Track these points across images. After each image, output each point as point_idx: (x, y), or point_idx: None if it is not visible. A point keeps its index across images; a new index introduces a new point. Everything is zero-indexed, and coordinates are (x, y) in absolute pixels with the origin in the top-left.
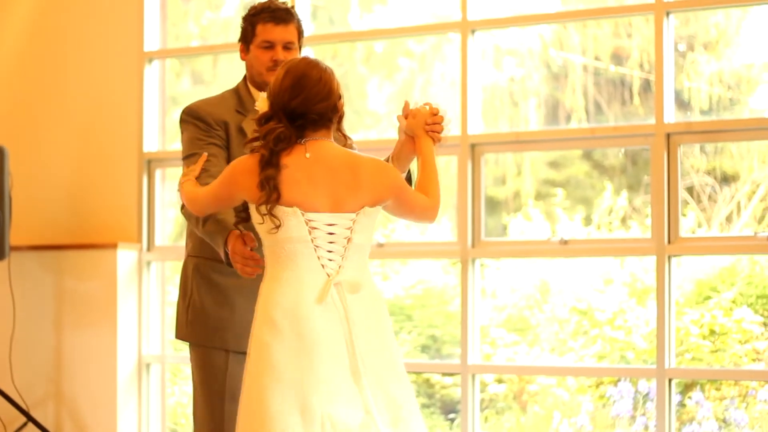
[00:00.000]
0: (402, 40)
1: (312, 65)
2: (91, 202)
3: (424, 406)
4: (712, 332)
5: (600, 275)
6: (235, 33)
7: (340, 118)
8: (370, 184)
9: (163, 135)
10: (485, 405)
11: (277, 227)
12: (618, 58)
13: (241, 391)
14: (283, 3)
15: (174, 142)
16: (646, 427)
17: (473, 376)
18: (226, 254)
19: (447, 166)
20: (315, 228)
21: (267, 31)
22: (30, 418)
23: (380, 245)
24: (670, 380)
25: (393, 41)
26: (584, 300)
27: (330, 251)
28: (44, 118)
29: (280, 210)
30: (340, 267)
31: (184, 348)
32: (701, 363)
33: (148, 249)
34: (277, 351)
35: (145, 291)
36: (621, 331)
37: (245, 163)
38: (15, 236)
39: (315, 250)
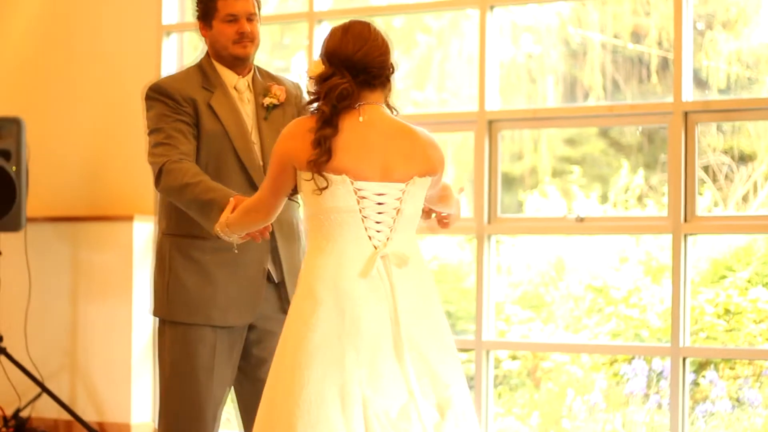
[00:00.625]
0: (420, 16)
1: (367, 23)
2: (107, 174)
3: None
4: (727, 311)
5: (615, 253)
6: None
7: (390, 85)
8: (423, 153)
9: None
10: (499, 381)
11: (322, 189)
12: (636, 36)
13: (274, 365)
14: None
15: None
16: (660, 406)
17: (487, 353)
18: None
19: (464, 142)
20: (364, 197)
21: (229, 5)
22: (45, 389)
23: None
24: (684, 359)
25: (411, 17)
26: (599, 278)
27: (378, 222)
28: (61, 91)
29: (328, 177)
30: (387, 239)
31: None
32: (715, 342)
33: None
34: (317, 327)
35: None
36: (636, 309)
37: (296, 126)
38: (31, 208)
39: (363, 220)
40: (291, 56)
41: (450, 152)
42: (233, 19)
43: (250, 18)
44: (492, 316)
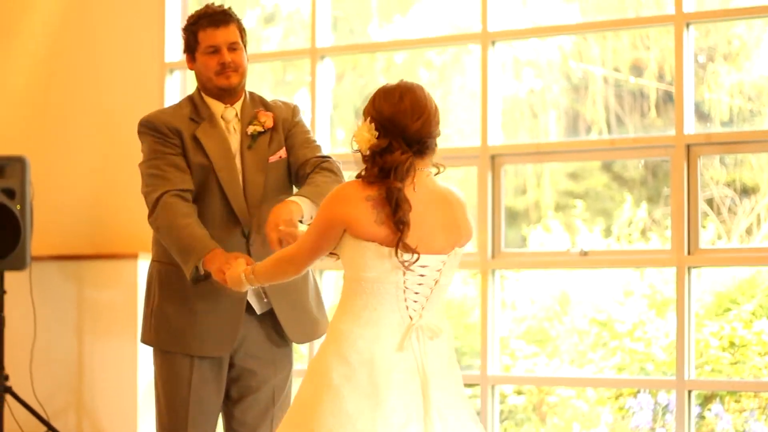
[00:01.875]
0: (422, 51)
1: (420, 87)
2: (112, 212)
3: None
4: (732, 344)
5: (619, 287)
6: (257, 44)
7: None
8: (463, 224)
9: None
10: (504, 416)
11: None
12: (637, 70)
13: (301, 425)
14: (220, 6)
15: None
16: None
17: (493, 387)
18: (197, 272)
19: (466, 177)
20: (408, 269)
21: (209, 36)
22: (51, 428)
23: None
24: (689, 392)
25: (413, 52)
26: (604, 311)
27: (417, 293)
28: (65, 128)
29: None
30: (423, 309)
31: None
32: (721, 375)
33: None
34: (350, 396)
35: None
36: (641, 343)
37: (351, 191)
38: (36, 246)
39: (404, 291)
40: (294, 92)
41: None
42: (214, 50)
43: (233, 47)
44: (497, 350)
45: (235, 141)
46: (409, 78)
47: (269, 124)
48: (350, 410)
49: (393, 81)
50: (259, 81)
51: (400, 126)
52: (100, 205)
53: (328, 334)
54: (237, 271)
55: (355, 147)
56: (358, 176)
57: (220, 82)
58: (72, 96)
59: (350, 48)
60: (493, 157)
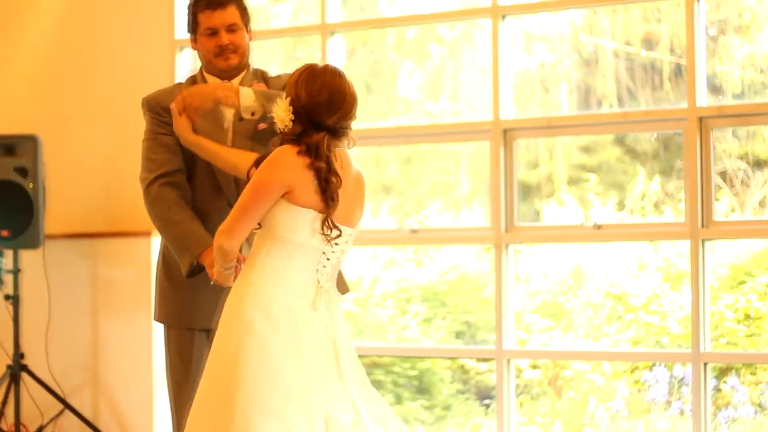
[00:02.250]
0: (432, 27)
1: (338, 77)
2: (125, 190)
3: (459, 392)
4: (747, 317)
5: (633, 260)
6: (266, 21)
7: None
8: (364, 201)
9: None
10: (520, 390)
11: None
12: (648, 43)
13: (229, 376)
14: None
15: None
16: (682, 412)
17: (508, 362)
18: (193, 266)
19: (477, 152)
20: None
21: (207, 18)
22: (67, 406)
23: (414, 231)
24: (705, 365)
25: (424, 27)
26: (618, 285)
27: (328, 259)
28: (77, 107)
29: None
30: (328, 275)
31: None
32: (736, 347)
33: None
34: (276, 347)
35: None
36: (656, 316)
37: (290, 157)
38: (49, 225)
39: (321, 256)
40: None
41: (464, 163)
42: (212, 32)
43: (231, 29)
44: (512, 324)
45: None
46: (420, 53)
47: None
48: (276, 359)
49: (404, 56)
50: (269, 57)
51: (315, 118)
52: (113, 183)
53: (239, 288)
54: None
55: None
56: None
57: (219, 63)
58: (83, 74)
59: (361, 24)
60: (505, 132)
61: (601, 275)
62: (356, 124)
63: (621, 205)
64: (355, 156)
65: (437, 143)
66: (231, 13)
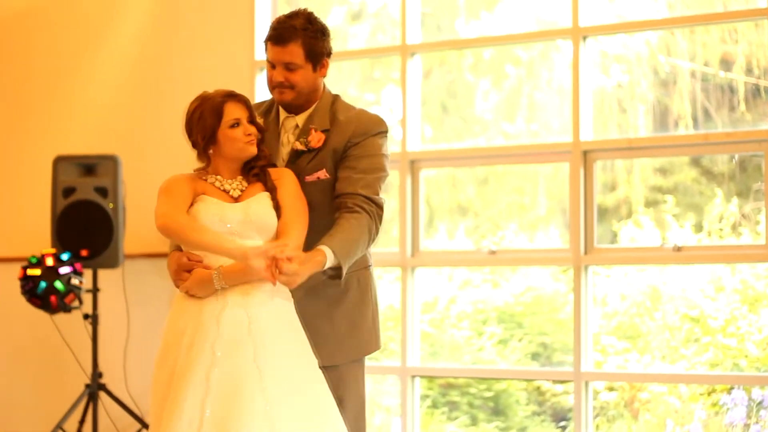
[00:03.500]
0: (509, 47)
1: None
2: None
3: (535, 413)
4: None
5: (711, 282)
6: (344, 41)
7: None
8: None
9: None
10: (596, 413)
11: None
12: (726, 64)
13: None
14: (291, 19)
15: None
16: None
17: (587, 384)
18: None
19: (555, 173)
20: None
21: (269, 51)
22: (144, 425)
23: (492, 252)
24: None
25: (500, 48)
26: (696, 307)
27: None
28: (156, 127)
29: None
30: None
31: None
32: None
33: None
34: None
35: None
36: (734, 339)
37: None
38: (128, 244)
39: None
40: (381, 89)
41: (541, 184)
42: (272, 65)
43: (289, 67)
44: (590, 346)
45: (284, 152)
46: (496, 74)
47: (316, 144)
48: None
49: (480, 77)
50: (347, 78)
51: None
52: None
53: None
54: None
55: None
56: None
57: (274, 95)
58: (163, 94)
59: (440, 44)
60: (585, 153)
61: (679, 297)
62: (433, 146)
63: (698, 227)
64: (431, 177)
65: (515, 164)
66: (291, 52)
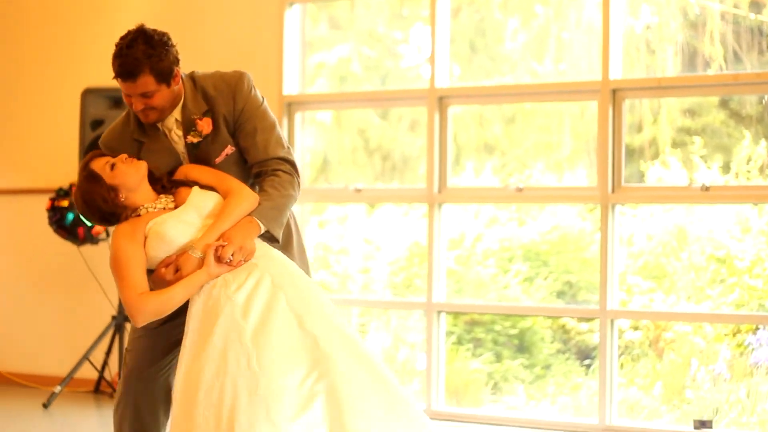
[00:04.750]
0: None
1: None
2: None
3: (560, 351)
4: None
5: (737, 223)
6: None
7: None
8: None
9: (302, 78)
10: (621, 352)
11: None
12: (757, 6)
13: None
14: (130, 51)
15: (312, 85)
16: None
17: (612, 321)
18: None
19: (582, 113)
20: None
21: (120, 84)
22: None
23: (519, 189)
24: None
25: None
26: (722, 248)
27: None
28: (183, 59)
29: None
30: None
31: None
32: None
33: None
34: None
35: None
36: (760, 280)
37: None
38: None
39: None
40: (409, 27)
41: (568, 124)
42: (128, 96)
43: (146, 95)
44: (616, 284)
45: (181, 147)
46: (525, 13)
47: (207, 130)
48: None
49: (509, 16)
50: (375, 14)
51: None
52: None
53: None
54: None
55: None
56: None
57: (140, 117)
58: (190, 28)
59: None
60: (614, 91)
61: (705, 238)
62: (460, 82)
63: (726, 169)
64: (458, 115)
65: (543, 102)
66: (142, 83)
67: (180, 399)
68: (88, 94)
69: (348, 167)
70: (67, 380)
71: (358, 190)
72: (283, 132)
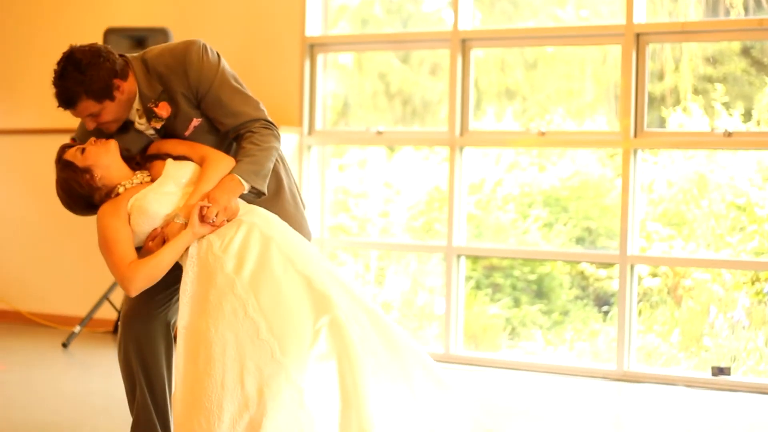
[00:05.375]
0: None
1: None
2: (253, 87)
3: (578, 297)
4: None
5: (758, 171)
6: None
7: None
8: None
9: (325, 20)
10: (639, 299)
11: None
12: None
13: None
14: (63, 74)
15: (334, 27)
16: None
17: (632, 267)
18: None
19: (603, 58)
20: None
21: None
22: None
23: (541, 134)
24: None
25: None
26: (742, 195)
27: None
28: (207, 2)
29: None
30: None
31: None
32: None
33: (309, 133)
34: None
35: (305, 174)
36: None
37: None
38: None
39: None
40: None
41: (589, 70)
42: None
43: (93, 115)
44: (636, 229)
45: (149, 131)
46: None
47: (166, 113)
48: None
49: None
50: None
51: None
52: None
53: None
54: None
55: None
56: None
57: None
58: None
59: None
60: (638, 36)
61: (726, 185)
62: (481, 26)
63: (747, 116)
64: (480, 59)
65: (566, 46)
66: (84, 108)
67: (185, 354)
68: (110, 34)
69: (369, 111)
70: (87, 320)
71: (380, 133)
72: (245, 87)
